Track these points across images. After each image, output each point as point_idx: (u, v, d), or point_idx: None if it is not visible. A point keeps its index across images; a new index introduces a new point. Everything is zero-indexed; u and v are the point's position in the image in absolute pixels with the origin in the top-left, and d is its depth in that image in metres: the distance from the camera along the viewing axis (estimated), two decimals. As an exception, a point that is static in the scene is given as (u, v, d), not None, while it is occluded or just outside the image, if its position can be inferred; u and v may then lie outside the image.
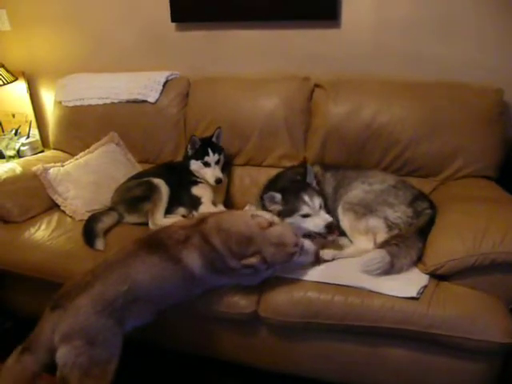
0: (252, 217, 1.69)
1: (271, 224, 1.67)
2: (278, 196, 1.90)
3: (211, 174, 2.28)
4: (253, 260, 1.61)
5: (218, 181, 2.27)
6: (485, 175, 2.15)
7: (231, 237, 1.65)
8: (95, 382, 1.53)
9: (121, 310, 1.57)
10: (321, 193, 1.95)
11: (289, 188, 1.97)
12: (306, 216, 1.87)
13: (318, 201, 1.87)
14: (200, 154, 2.29)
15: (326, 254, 1.84)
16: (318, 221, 1.85)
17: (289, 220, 1.87)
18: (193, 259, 1.65)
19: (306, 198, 1.86)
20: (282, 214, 1.88)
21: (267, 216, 1.76)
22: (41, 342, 1.54)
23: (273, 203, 1.90)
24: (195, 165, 2.31)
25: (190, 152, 2.33)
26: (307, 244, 1.76)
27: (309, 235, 1.86)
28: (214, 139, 2.35)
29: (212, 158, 2.28)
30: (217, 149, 2.32)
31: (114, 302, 1.56)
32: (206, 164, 2.29)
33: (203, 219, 1.74)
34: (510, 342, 1.51)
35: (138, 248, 1.69)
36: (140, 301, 1.62)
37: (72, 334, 1.51)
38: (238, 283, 1.78)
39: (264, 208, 1.94)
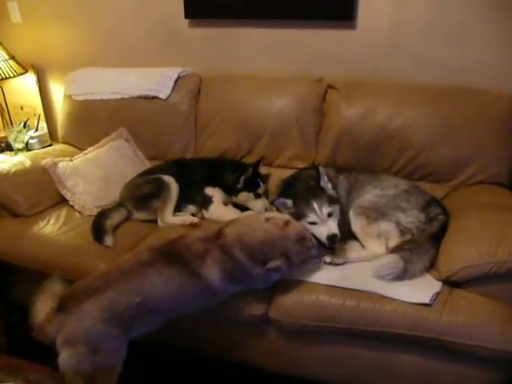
0: (267, 220, 1.67)
1: (287, 223, 1.66)
2: (290, 202, 1.90)
3: (262, 204, 2.27)
4: (277, 262, 1.60)
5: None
6: (498, 182, 2.13)
7: (255, 249, 1.62)
8: None
9: (130, 320, 1.53)
10: (335, 197, 1.93)
11: (301, 192, 1.95)
12: (312, 223, 1.85)
13: (327, 209, 1.83)
14: (250, 186, 2.28)
15: (338, 257, 1.82)
16: (322, 230, 1.83)
17: None
18: (213, 273, 1.61)
19: (315, 205, 1.84)
20: (292, 217, 1.87)
21: (280, 216, 1.75)
22: (46, 336, 1.52)
23: (284, 208, 1.90)
24: (245, 196, 2.30)
25: (241, 183, 2.29)
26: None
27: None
28: (259, 167, 2.34)
29: (262, 189, 2.30)
30: (263, 179, 2.33)
31: (125, 312, 1.51)
32: (257, 196, 2.29)
33: (220, 231, 1.69)
34: (525, 351, 1.51)
35: (154, 258, 1.62)
36: (152, 312, 1.58)
37: (75, 340, 1.47)
38: (252, 288, 1.76)
39: (277, 209, 1.93)
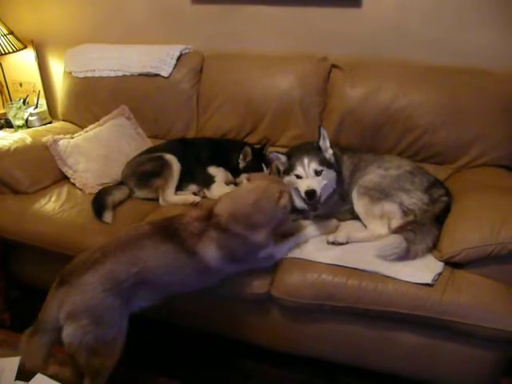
0: (248, 180, 1.77)
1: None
2: (283, 157, 1.98)
3: None
4: (285, 199, 1.66)
5: None
6: (502, 164, 2.13)
7: (250, 216, 1.66)
8: (102, 360, 1.52)
9: (129, 291, 1.55)
10: (330, 162, 1.94)
11: (298, 150, 2.01)
12: (299, 177, 1.88)
13: (315, 166, 1.86)
14: (252, 168, 2.25)
15: (341, 236, 1.83)
16: (303, 185, 1.85)
17: (287, 178, 1.93)
18: (210, 252, 1.63)
19: (305, 160, 1.87)
20: (285, 173, 1.96)
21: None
22: (47, 321, 1.51)
23: (278, 162, 2.02)
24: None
25: (240, 163, 2.28)
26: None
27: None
28: (264, 152, 2.32)
29: (266, 172, 2.29)
30: (268, 162, 2.30)
31: (124, 281, 1.53)
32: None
33: (210, 211, 1.71)
34: (526, 331, 1.52)
35: (152, 232, 1.65)
36: (149, 284, 1.60)
37: (78, 312, 1.48)
38: (253, 268, 1.78)
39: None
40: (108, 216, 2.06)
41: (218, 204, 1.73)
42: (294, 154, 1.97)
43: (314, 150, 1.96)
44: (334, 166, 1.96)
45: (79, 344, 1.48)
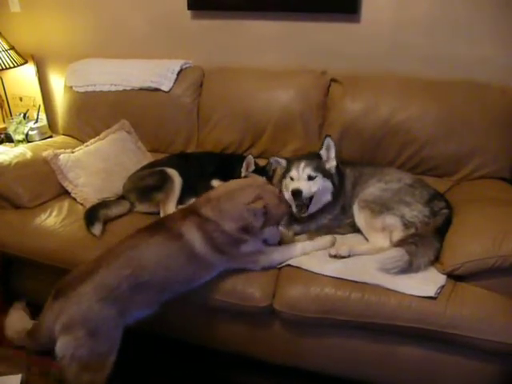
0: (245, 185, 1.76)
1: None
2: (284, 161, 2.08)
3: None
4: (257, 205, 1.66)
5: None
6: (501, 177, 2.15)
7: (220, 201, 1.71)
8: (93, 375, 1.52)
9: (124, 299, 1.56)
10: (328, 172, 1.98)
11: (299, 156, 2.10)
12: (291, 179, 1.95)
13: (309, 171, 1.92)
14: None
15: (343, 249, 1.83)
16: (292, 185, 1.91)
17: (284, 182, 2.03)
18: (193, 234, 1.67)
19: (301, 164, 1.94)
20: (283, 176, 2.05)
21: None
22: (42, 332, 1.53)
23: (277, 165, 2.13)
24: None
25: (242, 172, 2.27)
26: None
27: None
28: (267, 169, 2.33)
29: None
30: (270, 177, 2.31)
31: (117, 287, 1.54)
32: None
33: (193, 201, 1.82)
34: (527, 344, 1.52)
35: (140, 233, 1.70)
36: (144, 286, 1.60)
37: (73, 324, 1.49)
38: (242, 267, 1.79)
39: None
40: (97, 228, 2.04)
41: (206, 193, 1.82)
42: (294, 159, 2.04)
43: (314, 157, 2.00)
44: (333, 177, 1.98)
45: (72, 356, 1.48)
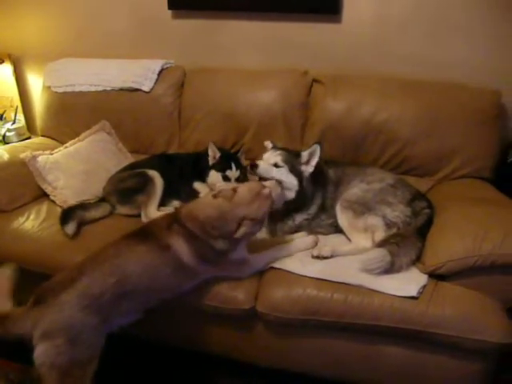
0: (214, 196, 1.66)
1: (235, 190, 1.66)
2: (270, 144, 2.10)
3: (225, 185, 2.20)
4: (243, 229, 1.61)
5: None
6: (480, 176, 2.17)
7: (204, 223, 1.63)
8: (73, 382, 1.48)
9: (108, 307, 1.52)
10: (299, 171, 1.97)
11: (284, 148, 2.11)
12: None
13: (277, 159, 1.94)
14: (222, 167, 2.22)
15: (325, 250, 1.82)
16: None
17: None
18: (180, 246, 1.62)
19: (275, 152, 1.98)
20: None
21: (228, 186, 1.79)
22: (15, 330, 1.46)
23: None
24: (214, 176, 2.22)
25: (210, 161, 2.24)
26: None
27: None
28: (239, 155, 2.30)
29: (234, 173, 2.22)
30: (240, 166, 2.25)
31: (101, 296, 1.50)
32: (226, 178, 2.21)
33: (177, 210, 1.73)
34: (507, 342, 1.53)
35: (126, 239, 1.65)
36: (128, 295, 1.56)
37: (54, 331, 1.45)
38: (227, 275, 1.77)
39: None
40: (70, 228, 2.00)
41: (186, 205, 1.76)
42: (279, 147, 2.07)
43: (292, 153, 2.00)
44: (303, 180, 1.96)
45: (51, 364, 1.44)
